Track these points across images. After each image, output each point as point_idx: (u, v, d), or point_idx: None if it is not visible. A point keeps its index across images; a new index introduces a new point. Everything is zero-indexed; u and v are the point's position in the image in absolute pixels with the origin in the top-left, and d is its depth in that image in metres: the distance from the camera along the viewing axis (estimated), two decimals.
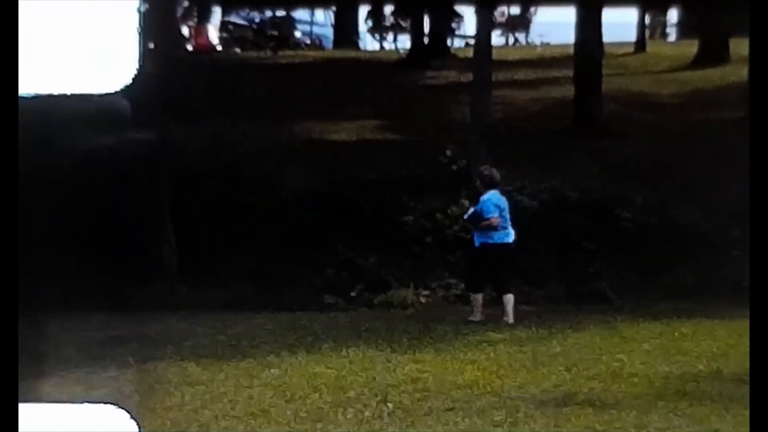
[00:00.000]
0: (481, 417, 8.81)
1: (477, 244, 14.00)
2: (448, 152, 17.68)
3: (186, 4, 37.56)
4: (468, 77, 19.73)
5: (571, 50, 22.04)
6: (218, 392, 9.81)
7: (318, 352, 11.77)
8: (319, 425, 8.64)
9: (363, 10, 33.62)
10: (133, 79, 3.91)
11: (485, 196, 13.96)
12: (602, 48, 21.86)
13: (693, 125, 20.81)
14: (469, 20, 32.26)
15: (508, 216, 13.99)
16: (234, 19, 35.28)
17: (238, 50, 31.86)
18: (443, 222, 16.74)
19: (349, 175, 17.78)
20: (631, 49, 27.37)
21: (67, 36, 3.72)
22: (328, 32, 35.37)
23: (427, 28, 27.54)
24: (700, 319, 13.65)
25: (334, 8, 34.13)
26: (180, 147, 17.40)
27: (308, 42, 35.05)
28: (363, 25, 34.12)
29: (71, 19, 3.72)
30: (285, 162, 18.13)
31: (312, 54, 30.15)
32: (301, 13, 36.32)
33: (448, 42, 29.72)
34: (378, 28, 34.20)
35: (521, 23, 34.50)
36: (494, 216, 13.81)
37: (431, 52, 26.41)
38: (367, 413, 8.95)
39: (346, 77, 24.51)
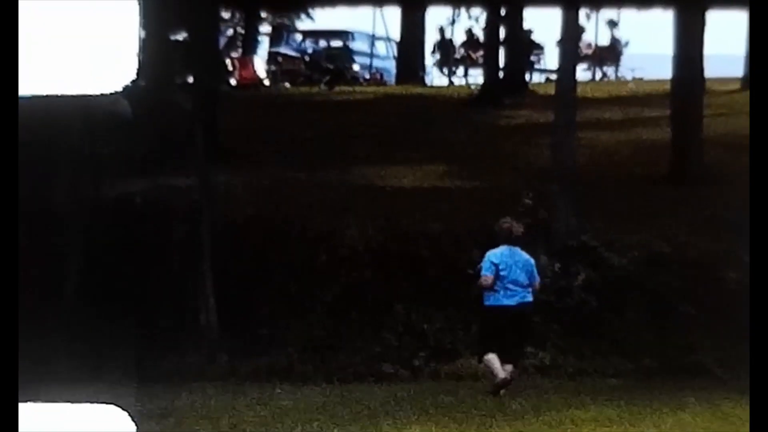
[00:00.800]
0: None
1: (483, 305, 14.09)
2: (527, 201, 17.55)
3: (230, 33, 37.97)
4: (549, 116, 19.67)
5: (668, 86, 21.96)
6: None
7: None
8: None
9: (429, 41, 33.69)
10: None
11: (490, 252, 14.03)
12: (704, 84, 21.74)
13: None
14: (550, 52, 32.35)
15: (521, 276, 13.93)
16: (283, 50, 35.57)
17: (287, 85, 32.05)
18: None
19: (413, 227, 17.73)
20: (738, 85, 27.16)
21: (67, 36, 4.05)
22: (390, 65, 35.50)
23: (502, 62, 27.55)
24: None
25: (397, 39, 34.28)
26: (220, 194, 17.45)
27: (368, 76, 35.18)
28: (429, 58, 34.19)
29: (71, 19, 4.04)
30: (340, 212, 18.13)
31: (372, 90, 30.29)
32: (359, 44, 36.52)
33: (527, 77, 29.73)
34: (446, 61, 34.21)
35: (610, 56, 34.31)
36: (487, 275, 13.83)
37: (507, 87, 26.44)
38: None
39: (410, 116, 24.56)
